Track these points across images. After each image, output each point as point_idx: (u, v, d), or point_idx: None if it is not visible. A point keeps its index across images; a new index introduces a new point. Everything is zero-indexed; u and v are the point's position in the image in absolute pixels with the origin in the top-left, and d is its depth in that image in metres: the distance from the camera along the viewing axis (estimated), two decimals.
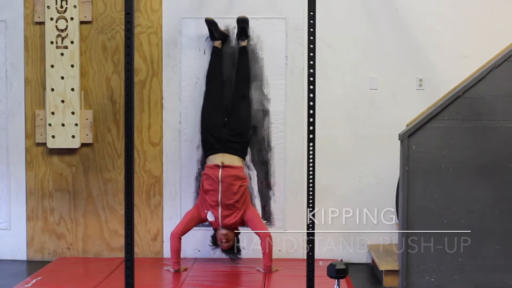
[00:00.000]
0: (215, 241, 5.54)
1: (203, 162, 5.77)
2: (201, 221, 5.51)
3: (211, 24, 5.66)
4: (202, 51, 5.85)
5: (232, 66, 5.83)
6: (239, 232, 5.59)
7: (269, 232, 5.43)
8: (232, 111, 5.68)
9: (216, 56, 5.77)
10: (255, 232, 5.41)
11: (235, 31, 5.82)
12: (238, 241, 5.60)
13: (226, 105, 5.72)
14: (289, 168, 5.90)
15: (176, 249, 5.40)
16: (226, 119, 5.66)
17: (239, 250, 5.59)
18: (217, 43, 5.77)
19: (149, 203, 5.93)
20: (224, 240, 5.44)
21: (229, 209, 5.41)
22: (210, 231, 5.63)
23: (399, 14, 5.81)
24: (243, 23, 5.68)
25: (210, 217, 5.44)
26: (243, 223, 5.49)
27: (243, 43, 5.77)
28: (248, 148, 5.76)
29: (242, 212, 5.44)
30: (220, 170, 5.43)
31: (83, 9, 5.85)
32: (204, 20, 5.69)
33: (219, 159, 5.49)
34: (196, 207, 5.54)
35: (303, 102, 5.67)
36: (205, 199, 5.46)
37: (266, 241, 5.32)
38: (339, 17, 5.84)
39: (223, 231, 5.43)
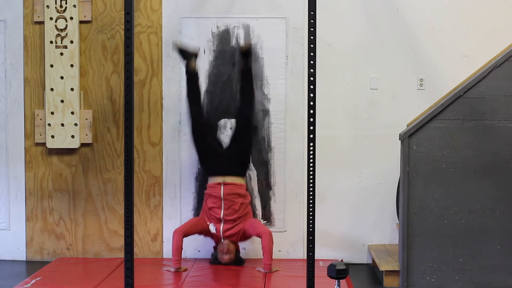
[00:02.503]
0: (216, 257, 5.59)
1: None
2: (204, 229, 5.55)
3: (189, 56, 5.63)
4: (202, 51, 5.84)
5: (232, 66, 5.82)
6: (238, 248, 5.64)
7: (270, 230, 5.43)
8: (235, 138, 5.69)
9: (193, 83, 5.69)
10: (257, 233, 5.41)
11: (235, 30, 5.81)
12: (239, 255, 5.64)
13: (213, 125, 5.78)
14: (289, 168, 5.89)
15: (178, 246, 5.41)
16: (227, 144, 5.71)
17: (241, 263, 5.60)
18: (193, 67, 5.67)
19: (149, 203, 5.92)
20: (225, 251, 5.48)
21: (230, 224, 5.49)
22: None
23: (399, 14, 5.81)
24: (246, 57, 5.59)
25: (212, 228, 5.50)
26: (244, 236, 5.54)
27: (247, 67, 5.66)
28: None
29: (243, 225, 5.51)
30: (222, 187, 5.49)
31: (83, 9, 5.84)
32: (203, 19, 5.69)
33: (221, 179, 5.54)
34: (201, 217, 5.61)
35: (303, 102, 5.66)
36: (208, 214, 5.54)
37: (268, 238, 5.32)
38: (340, 16, 5.83)
39: (224, 242, 5.49)
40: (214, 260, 5.62)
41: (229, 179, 5.54)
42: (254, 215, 5.79)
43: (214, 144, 5.69)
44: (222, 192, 5.49)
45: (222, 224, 5.48)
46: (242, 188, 5.58)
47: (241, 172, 5.64)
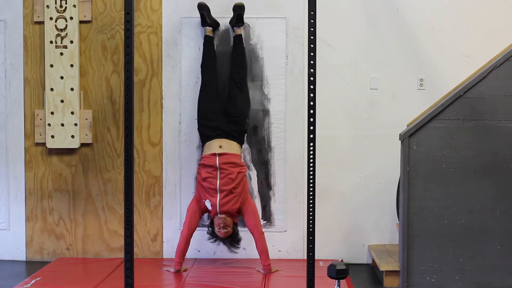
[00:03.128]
0: (213, 231, 5.44)
1: None
2: (202, 212, 5.46)
3: (203, 9, 5.63)
4: (202, 51, 5.83)
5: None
6: (237, 221, 5.49)
7: (262, 231, 5.40)
8: (229, 99, 5.67)
9: (209, 45, 5.75)
10: (250, 229, 5.36)
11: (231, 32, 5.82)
12: (237, 231, 5.48)
13: (222, 93, 5.71)
14: (289, 168, 5.88)
15: (181, 249, 5.39)
16: (223, 107, 5.65)
17: (238, 241, 5.47)
18: (209, 31, 5.74)
19: (149, 203, 5.92)
20: (222, 225, 5.33)
21: (228, 195, 5.33)
22: None
23: (399, 14, 5.80)
24: (239, 10, 5.64)
25: (208, 205, 5.37)
26: (240, 212, 5.42)
27: (239, 31, 5.74)
28: (245, 138, 5.74)
29: (241, 202, 5.37)
30: (217, 157, 5.39)
31: (83, 9, 5.84)
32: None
33: (217, 144, 5.46)
34: (195, 199, 5.48)
35: (303, 102, 5.66)
36: (203, 186, 5.39)
37: (261, 242, 5.30)
38: (340, 16, 5.83)
39: (220, 216, 5.33)
40: (212, 234, 5.45)
41: (225, 144, 5.45)
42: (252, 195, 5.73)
43: (216, 111, 5.64)
44: (217, 162, 5.37)
45: (218, 196, 5.33)
46: (238, 157, 5.48)
47: (237, 136, 5.54)
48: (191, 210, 5.45)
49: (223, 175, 5.36)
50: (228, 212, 5.33)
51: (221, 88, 5.77)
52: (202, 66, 5.77)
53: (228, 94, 5.70)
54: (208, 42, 5.76)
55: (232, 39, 5.82)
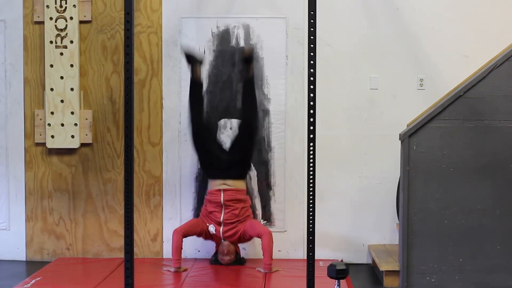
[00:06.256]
0: (216, 259, 5.61)
1: None
2: (203, 231, 5.55)
3: (195, 61, 5.63)
4: (202, 51, 5.84)
5: (232, 66, 5.82)
6: (239, 250, 5.66)
7: (270, 230, 5.44)
8: (236, 141, 5.70)
9: (197, 90, 5.71)
10: (257, 233, 5.41)
11: (235, 30, 5.81)
12: (239, 256, 5.65)
13: (213, 130, 5.79)
14: (289, 168, 5.88)
15: (177, 246, 5.41)
16: (228, 148, 5.72)
17: (241, 263, 5.62)
18: (198, 75, 5.69)
19: (149, 203, 5.92)
20: (225, 252, 5.49)
21: (231, 226, 5.51)
22: None
23: (399, 14, 5.80)
24: (248, 61, 5.63)
25: (212, 229, 5.52)
26: (244, 238, 5.55)
27: (248, 75, 5.69)
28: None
29: (243, 227, 5.52)
30: (222, 194, 5.51)
31: (83, 9, 5.84)
32: (203, 19, 5.70)
33: (221, 182, 5.56)
34: (200, 218, 5.62)
35: (303, 102, 5.66)
36: (208, 217, 5.56)
37: (268, 238, 5.32)
38: (340, 16, 5.82)
39: (224, 243, 5.51)
40: (215, 261, 5.62)
41: (230, 183, 5.55)
42: (254, 215, 5.79)
43: (215, 147, 5.69)
44: (222, 199, 5.50)
45: (222, 227, 5.50)
46: (242, 193, 5.60)
47: (242, 175, 5.65)
48: (194, 222, 5.60)
49: (227, 211, 5.50)
50: (231, 237, 5.49)
51: (221, 95, 5.78)
52: (191, 110, 5.68)
53: (237, 135, 5.72)
54: (196, 88, 5.70)
55: (232, 39, 5.82)
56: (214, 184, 5.59)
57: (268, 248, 5.33)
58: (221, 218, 5.49)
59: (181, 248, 5.43)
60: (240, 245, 5.69)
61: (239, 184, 5.60)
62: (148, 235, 5.94)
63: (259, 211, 5.87)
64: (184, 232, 5.44)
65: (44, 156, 5.93)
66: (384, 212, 5.86)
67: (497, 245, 4.87)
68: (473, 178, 4.86)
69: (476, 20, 5.77)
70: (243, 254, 5.78)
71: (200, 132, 5.66)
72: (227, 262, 5.53)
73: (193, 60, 5.64)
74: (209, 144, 5.68)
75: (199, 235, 5.57)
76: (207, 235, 5.58)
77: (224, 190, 5.52)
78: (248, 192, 5.77)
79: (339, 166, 5.87)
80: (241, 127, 5.72)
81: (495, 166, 4.86)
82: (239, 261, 5.61)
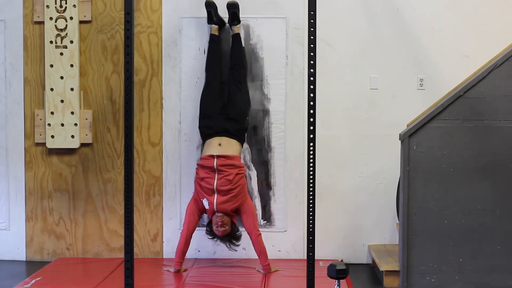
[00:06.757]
0: (211, 230, 5.42)
1: None
2: (201, 211, 5.45)
3: (210, 6, 5.62)
4: (202, 51, 5.84)
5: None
6: (236, 221, 5.46)
7: (260, 232, 5.39)
8: (228, 98, 5.67)
9: (214, 44, 5.75)
10: (248, 230, 5.36)
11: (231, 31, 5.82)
12: (236, 228, 5.45)
13: (223, 92, 5.72)
14: (289, 168, 5.88)
15: (181, 249, 5.38)
16: (223, 106, 5.65)
17: (238, 238, 5.45)
18: (214, 29, 5.73)
19: (149, 203, 5.92)
20: (219, 223, 5.31)
21: (225, 195, 5.32)
22: None
23: (399, 14, 5.80)
24: (233, 8, 5.64)
25: (205, 203, 5.35)
26: (238, 212, 5.40)
27: (236, 29, 5.73)
28: (245, 136, 5.73)
29: (239, 202, 5.36)
30: (215, 159, 5.38)
31: (83, 9, 5.84)
32: (203, 19, 5.69)
33: (216, 141, 5.47)
34: (193, 199, 5.47)
35: (303, 102, 5.66)
36: (200, 186, 5.39)
37: (259, 243, 5.29)
38: (340, 16, 5.83)
39: (218, 214, 5.31)
40: (210, 232, 5.43)
41: (225, 142, 5.44)
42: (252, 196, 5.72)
43: (217, 109, 5.63)
44: (215, 163, 5.37)
45: (215, 196, 5.32)
46: (237, 159, 5.47)
47: (237, 134, 5.54)
48: (189, 210, 5.45)
49: (220, 176, 5.35)
50: (225, 211, 5.33)
51: (222, 87, 5.77)
52: (206, 64, 5.75)
53: (228, 93, 5.70)
54: (213, 40, 5.75)
55: (231, 38, 5.82)
56: (209, 146, 5.47)
57: (262, 251, 5.31)
58: (215, 184, 5.35)
59: (185, 252, 5.39)
60: (240, 246, 5.66)
61: (234, 147, 5.48)
62: (148, 235, 5.94)
63: (259, 211, 5.87)
64: (187, 233, 5.35)
65: (44, 156, 5.93)
66: (384, 212, 5.86)
67: (497, 245, 4.87)
68: (473, 178, 4.86)
69: (476, 20, 5.77)
70: (242, 254, 5.76)
71: (211, 91, 5.65)
72: (222, 234, 5.35)
73: (213, 9, 5.64)
74: (213, 105, 5.63)
75: (200, 216, 5.45)
76: (202, 211, 5.43)
77: (218, 156, 5.39)
78: (246, 166, 5.67)
79: (339, 166, 5.87)
80: (232, 83, 5.67)
81: (495, 166, 4.86)
82: (234, 233, 5.41)
